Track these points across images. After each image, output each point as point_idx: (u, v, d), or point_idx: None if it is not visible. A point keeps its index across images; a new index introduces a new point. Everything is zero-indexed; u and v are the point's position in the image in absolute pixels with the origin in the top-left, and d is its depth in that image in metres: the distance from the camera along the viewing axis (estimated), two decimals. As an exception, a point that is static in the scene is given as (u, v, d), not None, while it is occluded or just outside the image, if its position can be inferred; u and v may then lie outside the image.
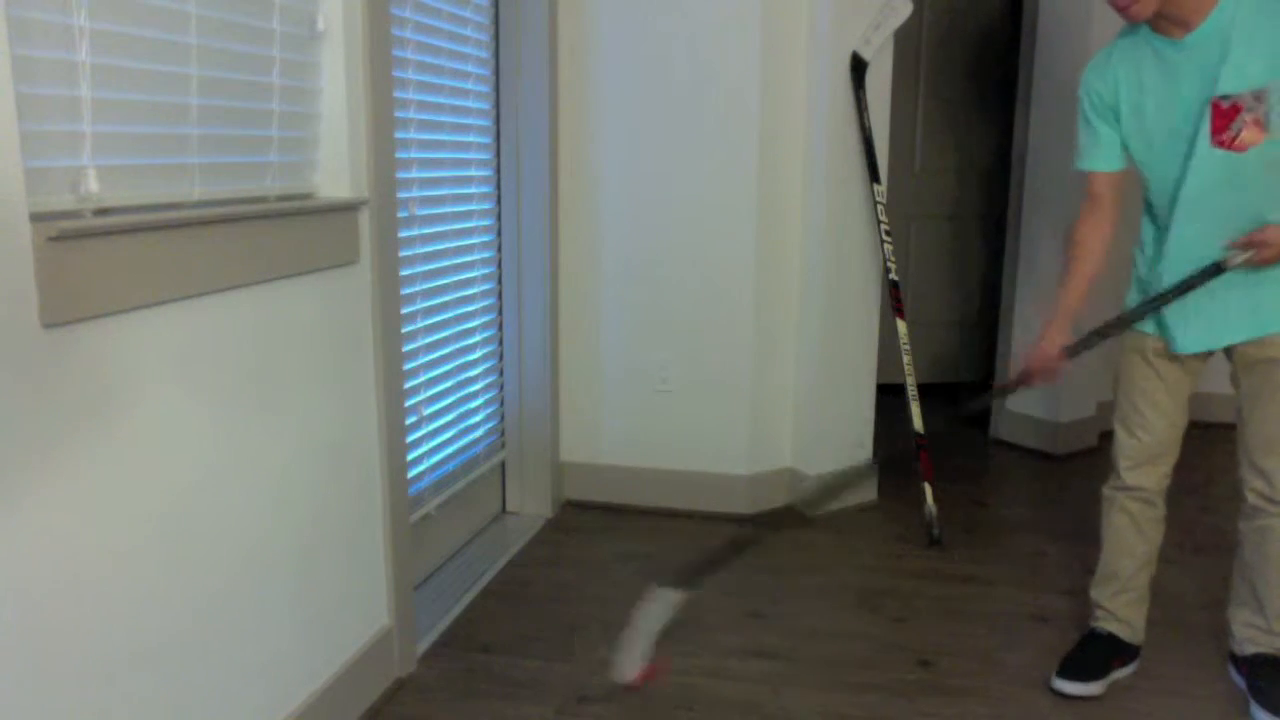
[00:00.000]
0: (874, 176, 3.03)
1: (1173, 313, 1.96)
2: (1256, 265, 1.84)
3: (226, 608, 1.60)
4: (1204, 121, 1.81)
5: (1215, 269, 1.87)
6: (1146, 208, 2.02)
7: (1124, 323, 2.00)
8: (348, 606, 1.97)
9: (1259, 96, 1.76)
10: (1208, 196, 1.86)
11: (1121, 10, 1.83)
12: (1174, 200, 1.90)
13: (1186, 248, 1.91)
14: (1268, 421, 1.95)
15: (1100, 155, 1.98)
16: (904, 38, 4.29)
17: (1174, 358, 2.01)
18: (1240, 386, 2.00)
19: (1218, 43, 1.78)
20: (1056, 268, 3.74)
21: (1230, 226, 1.86)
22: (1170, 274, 1.95)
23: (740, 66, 2.92)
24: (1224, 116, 1.79)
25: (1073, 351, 2.00)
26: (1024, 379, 2.06)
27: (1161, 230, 1.97)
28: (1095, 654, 2.15)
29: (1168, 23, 1.83)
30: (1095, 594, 2.21)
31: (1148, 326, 2.02)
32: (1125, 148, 1.96)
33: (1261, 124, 1.77)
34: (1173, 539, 2.91)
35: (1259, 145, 1.79)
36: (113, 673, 1.37)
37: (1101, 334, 1.99)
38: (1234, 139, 1.79)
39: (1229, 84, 1.77)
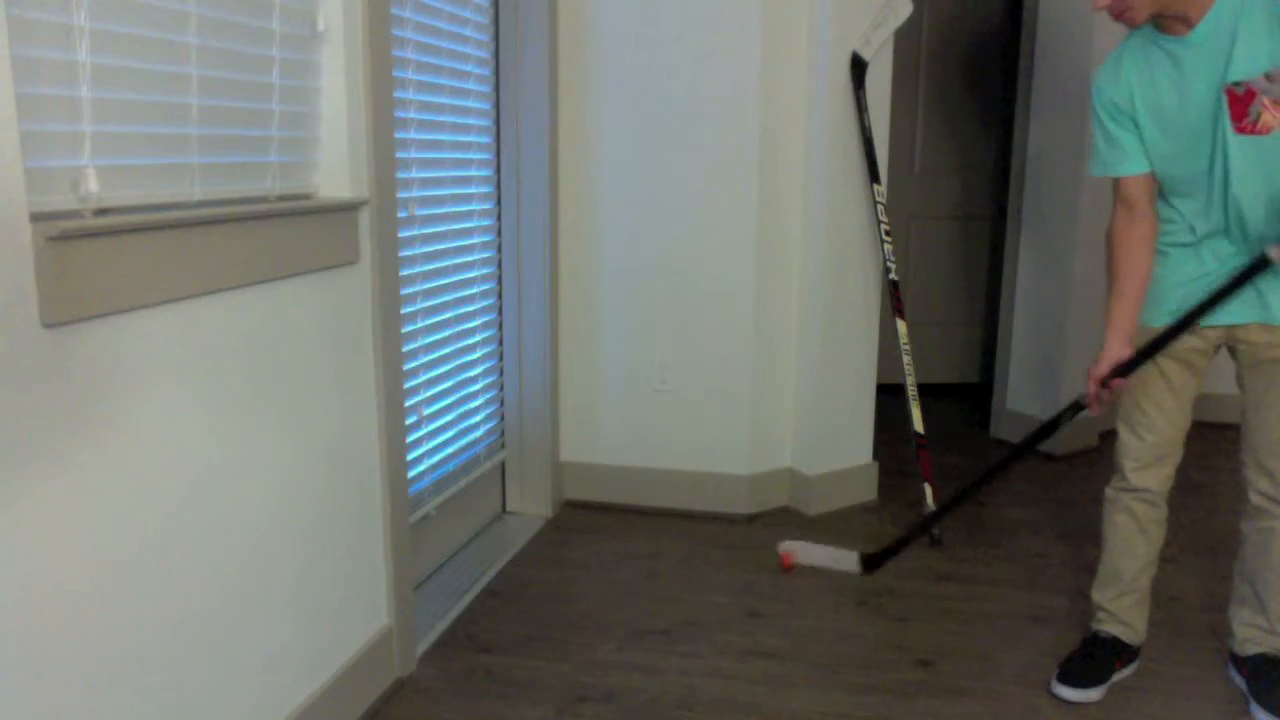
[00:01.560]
0: (874, 176, 3.03)
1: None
2: None
3: (226, 607, 1.60)
4: (1223, 111, 1.81)
5: (1263, 262, 1.85)
6: (1166, 206, 2.00)
7: (1179, 329, 1.94)
8: (348, 606, 1.97)
9: (1271, 78, 1.76)
10: (1244, 183, 1.85)
11: (1117, 18, 1.84)
12: (1208, 189, 1.89)
13: (1236, 236, 1.91)
14: (1273, 421, 1.94)
15: (1129, 160, 1.96)
16: (904, 38, 4.29)
17: (1180, 357, 2.00)
18: (1246, 386, 1.99)
19: (1225, 33, 1.79)
20: (1056, 267, 3.74)
21: (1273, 209, 1.85)
22: (1220, 263, 1.93)
23: (740, 66, 2.92)
24: (1240, 103, 1.79)
25: (1127, 369, 1.97)
26: (1090, 402, 2.03)
27: (1195, 226, 1.95)
28: (1097, 659, 2.15)
29: (1170, 21, 1.83)
30: (1097, 596, 2.21)
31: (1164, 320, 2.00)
32: (1145, 149, 1.95)
33: (1279, 104, 1.78)
34: (1173, 539, 2.92)
35: None
36: (112, 673, 1.37)
37: (1159, 346, 1.96)
38: (1255, 123, 1.79)
39: (1240, 70, 1.78)
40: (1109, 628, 2.18)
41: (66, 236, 1.21)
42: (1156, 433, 2.04)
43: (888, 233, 3.05)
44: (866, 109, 2.98)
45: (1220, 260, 1.94)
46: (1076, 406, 2.07)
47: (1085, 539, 2.95)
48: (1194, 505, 3.24)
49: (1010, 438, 3.97)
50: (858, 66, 2.96)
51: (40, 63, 1.23)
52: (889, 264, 3.05)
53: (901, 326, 3.02)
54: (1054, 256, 3.75)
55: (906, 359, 3.03)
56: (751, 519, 3.13)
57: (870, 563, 2.34)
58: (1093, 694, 2.10)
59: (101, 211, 1.34)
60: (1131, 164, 1.96)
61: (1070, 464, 3.71)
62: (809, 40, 2.99)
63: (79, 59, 1.29)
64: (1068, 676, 2.12)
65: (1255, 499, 2.01)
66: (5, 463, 1.17)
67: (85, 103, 1.30)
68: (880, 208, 3.04)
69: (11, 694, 1.21)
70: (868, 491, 3.29)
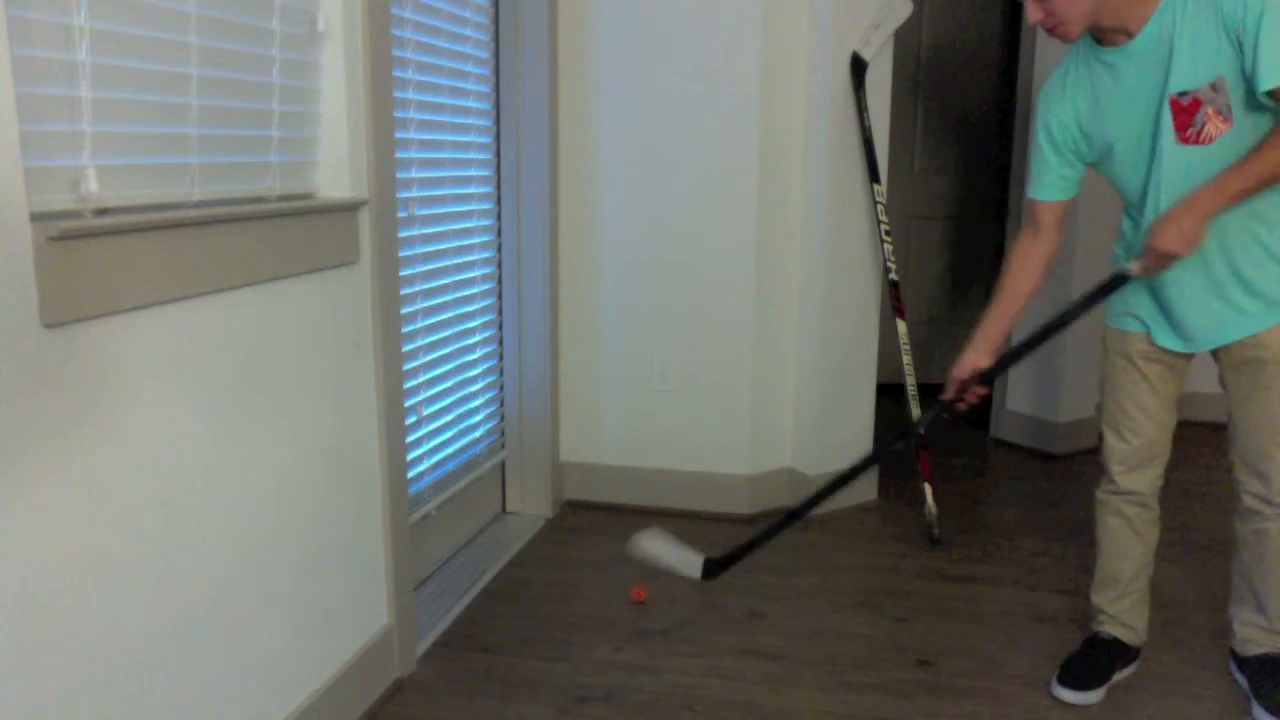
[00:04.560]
0: (874, 176, 3.03)
1: (1185, 313, 1.92)
2: (1154, 269, 1.82)
3: (226, 607, 1.60)
4: (1164, 121, 1.79)
5: (1121, 278, 1.87)
6: (1127, 210, 2.01)
7: (1039, 339, 1.96)
8: (348, 606, 1.97)
9: (1216, 87, 1.73)
10: (1178, 195, 1.81)
11: (1050, 34, 1.82)
12: (1144, 201, 1.88)
13: None
14: (1260, 423, 1.93)
15: (1053, 186, 1.98)
16: (904, 38, 4.29)
17: (1159, 358, 1.99)
18: (1229, 388, 1.98)
19: (1164, 43, 1.75)
20: (1055, 268, 3.74)
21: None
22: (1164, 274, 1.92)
23: (740, 66, 2.92)
24: (1185, 113, 1.77)
25: (989, 375, 2.01)
26: (945, 407, 2.06)
27: (1142, 231, 1.93)
28: (1098, 660, 2.15)
29: (1110, 33, 1.81)
30: (1096, 599, 2.20)
31: (1132, 325, 2.00)
32: (1087, 165, 1.96)
33: (1223, 114, 1.75)
34: (1173, 539, 2.92)
35: (1225, 135, 1.76)
36: (112, 673, 1.37)
37: (1018, 354, 1.99)
38: (1199, 133, 1.77)
39: (1184, 80, 1.75)
40: (1110, 629, 2.18)
41: (66, 236, 1.21)
42: (1142, 435, 2.03)
43: (888, 233, 3.05)
44: (866, 109, 2.98)
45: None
46: (940, 405, 2.09)
47: (1085, 539, 2.95)
48: (1192, 505, 3.24)
49: (1010, 438, 3.97)
50: (858, 66, 2.96)
51: (40, 63, 1.23)
52: (889, 264, 3.05)
53: (901, 326, 3.02)
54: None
55: (906, 359, 3.03)
56: (751, 519, 3.14)
57: (712, 569, 2.09)
58: (1093, 696, 2.10)
59: (101, 211, 1.34)
60: (1056, 189, 1.98)
61: (1070, 464, 3.71)
62: (809, 40, 2.99)
63: (79, 59, 1.29)
64: (1068, 678, 2.12)
65: (1248, 501, 2.00)
66: (5, 462, 1.17)
67: (85, 103, 1.30)
68: (880, 208, 3.04)
69: (11, 693, 1.21)
70: (868, 491, 3.29)
